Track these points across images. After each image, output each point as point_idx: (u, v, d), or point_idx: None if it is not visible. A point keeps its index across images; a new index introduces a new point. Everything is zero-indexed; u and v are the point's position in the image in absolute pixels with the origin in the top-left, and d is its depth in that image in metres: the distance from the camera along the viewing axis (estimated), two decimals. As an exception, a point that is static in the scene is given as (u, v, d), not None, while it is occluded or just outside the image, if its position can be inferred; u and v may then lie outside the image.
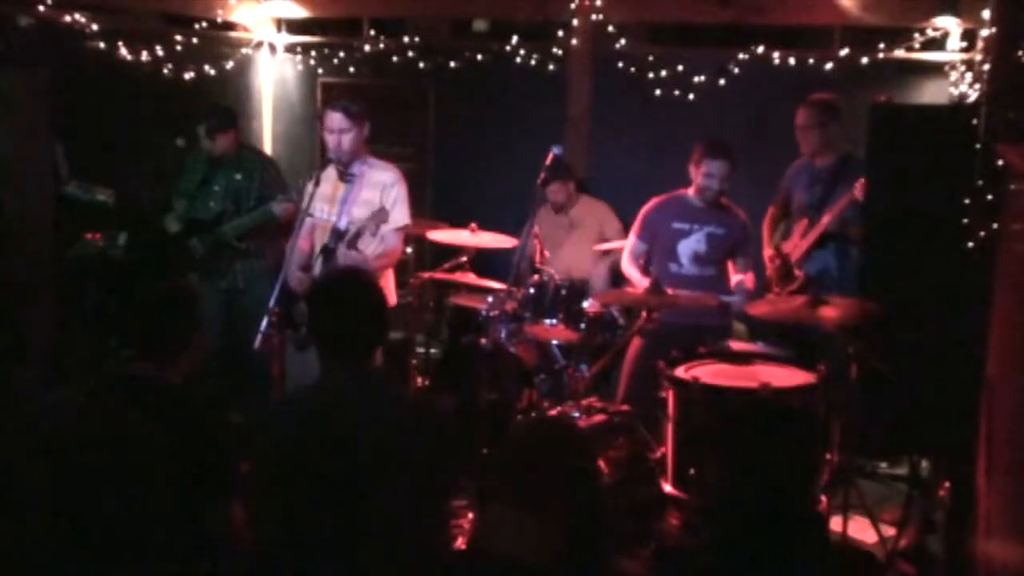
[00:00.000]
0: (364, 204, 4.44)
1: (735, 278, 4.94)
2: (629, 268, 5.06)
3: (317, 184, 4.42)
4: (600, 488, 2.51)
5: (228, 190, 5.54)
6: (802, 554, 2.19)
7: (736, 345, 4.78)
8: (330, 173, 4.54)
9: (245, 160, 5.65)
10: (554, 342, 5.19)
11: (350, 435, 2.68)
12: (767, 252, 5.16)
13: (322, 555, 2.61)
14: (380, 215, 4.28)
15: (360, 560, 2.60)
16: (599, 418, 4.18)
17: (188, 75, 6.65)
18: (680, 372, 4.14)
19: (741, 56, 6.27)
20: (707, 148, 4.82)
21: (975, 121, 3.87)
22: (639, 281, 4.90)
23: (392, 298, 4.64)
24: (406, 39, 7.09)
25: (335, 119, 4.43)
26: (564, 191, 6.04)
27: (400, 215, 4.50)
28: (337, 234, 4.31)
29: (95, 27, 6.16)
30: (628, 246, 5.12)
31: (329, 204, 4.53)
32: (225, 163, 5.56)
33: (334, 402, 2.76)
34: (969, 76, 5.70)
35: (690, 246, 4.90)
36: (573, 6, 6.42)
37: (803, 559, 2.18)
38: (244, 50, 7.18)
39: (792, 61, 6.19)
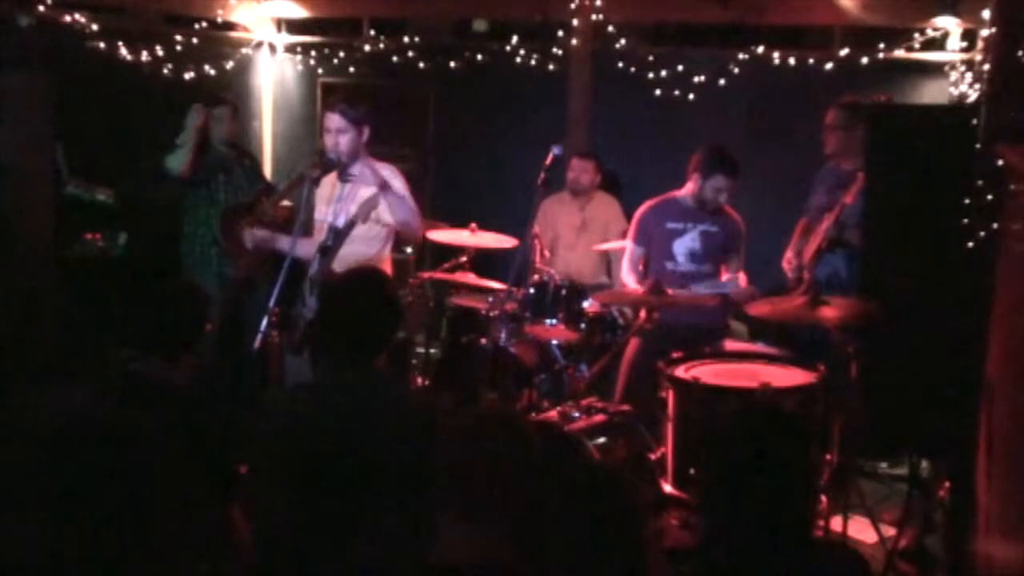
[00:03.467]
0: (361, 201, 4.45)
1: (726, 277, 4.94)
2: (628, 277, 5.04)
3: (315, 184, 4.44)
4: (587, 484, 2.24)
5: (250, 178, 5.69)
6: (795, 555, 2.18)
7: (736, 345, 4.78)
8: (331, 176, 4.56)
9: (245, 150, 5.98)
10: (554, 342, 5.19)
11: (348, 434, 2.68)
12: (788, 254, 5.13)
13: (318, 554, 2.61)
14: (371, 202, 4.28)
15: (356, 560, 2.59)
16: (599, 418, 4.18)
17: (188, 75, 6.64)
18: (680, 372, 4.14)
19: (741, 56, 6.27)
20: (719, 163, 4.78)
21: (975, 121, 3.86)
22: (636, 291, 4.91)
23: None
24: (406, 39, 7.09)
25: (332, 120, 4.45)
26: (588, 175, 6.05)
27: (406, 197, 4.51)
28: (335, 232, 4.30)
29: (95, 27, 6.16)
30: (627, 253, 5.10)
31: (327, 205, 4.55)
32: (235, 154, 5.72)
33: (336, 401, 2.76)
34: (969, 76, 5.70)
35: (685, 244, 4.90)
36: (573, 6, 6.42)
37: (795, 559, 2.17)
38: (244, 50, 7.18)
39: (792, 61, 6.19)
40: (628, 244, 5.10)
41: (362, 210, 4.26)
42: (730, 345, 4.83)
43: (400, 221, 4.46)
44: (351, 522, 2.60)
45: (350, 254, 4.34)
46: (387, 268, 4.62)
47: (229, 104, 5.78)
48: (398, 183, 4.52)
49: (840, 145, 5.00)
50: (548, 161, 4.69)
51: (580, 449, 3.89)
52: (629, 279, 5.03)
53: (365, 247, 4.44)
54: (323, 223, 4.48)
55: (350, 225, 4.26)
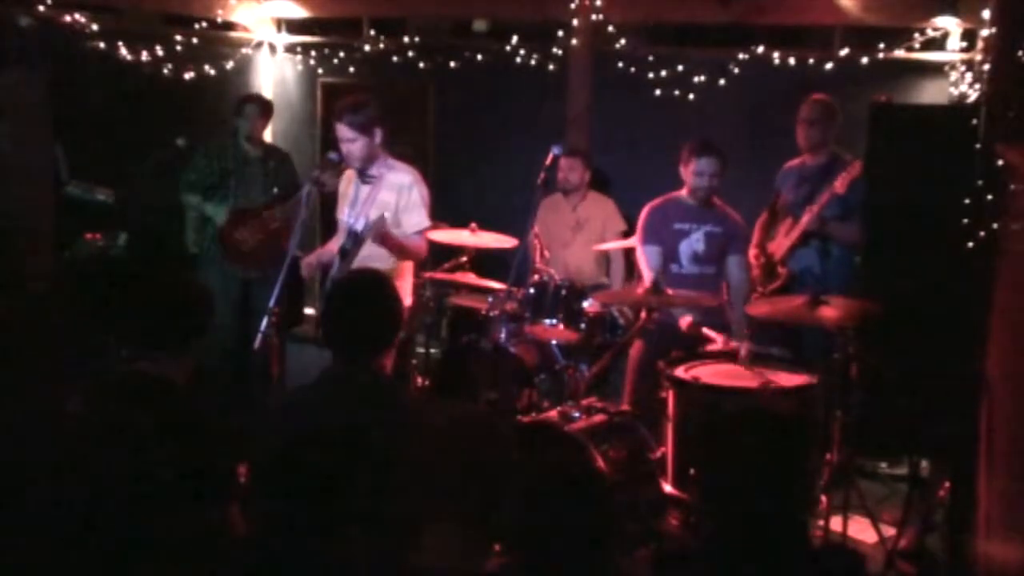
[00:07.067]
0: (381, 206, 4.49)
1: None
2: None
3: (317, 185, 4.45)
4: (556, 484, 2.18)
5: (270, 178, 5.70)
6: (789, 556, 2.18)
7: (735, 345, 4.77)
8: (350, 174, 4.60)
9: (274, 150, 5.97)
10: (554, 342, 5.18)
11: (345, 435, 2.69)
12: (752, 251, 5.17)
13: (311, 555, 2.61)
14: (379, 224, 4.29)
15: (345, 562, 2.59)
16: (599, 418, 4.19)
17: (188, 75, 6.64)
18: (680, 372, 4.14)
19: (741, 56, 6.27)
20: (694, 147, 4.85)
21: (975, 121, 3.86)
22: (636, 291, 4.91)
23: (407, 299, 4.68)
24: (406, 39, 7.09)
25: (340, 130, 4.51)
26: (577, 172, 6.05)
27: (419, 219, 4.57)
28: (354, 236, 4.37)
29: (95, 27, 6.16)
30: (642, 259, 5.07)
31: (348, 206, 4.58)
32: (260, 153, 5.75)
33: (332, 400, 2.77)
34: (969, 76, 5.70)
35: (690, 246, 4.91)
36: (573, 6, 6.41)
37: (791, 561, 2.17)
38: (244, 50, 7.18)
39: (792, 61, 6.19)
40: (639, 249, 5.08)
41: (375, 228, 4.26)
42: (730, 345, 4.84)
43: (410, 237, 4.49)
44: (341, 523, 2.61)
45: (372, 256, 4.37)
46: (408, 271, 4.66)
47: (257, 102, 5.79)
48: (419, 191, 4.57)
49: (819, 138, 5.07)
50: (548, 161, 4.70)
51: (570, 451, 3.88)
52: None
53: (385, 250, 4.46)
54: (343, 224, 4.53)
55: (363, 238, 4.32)
